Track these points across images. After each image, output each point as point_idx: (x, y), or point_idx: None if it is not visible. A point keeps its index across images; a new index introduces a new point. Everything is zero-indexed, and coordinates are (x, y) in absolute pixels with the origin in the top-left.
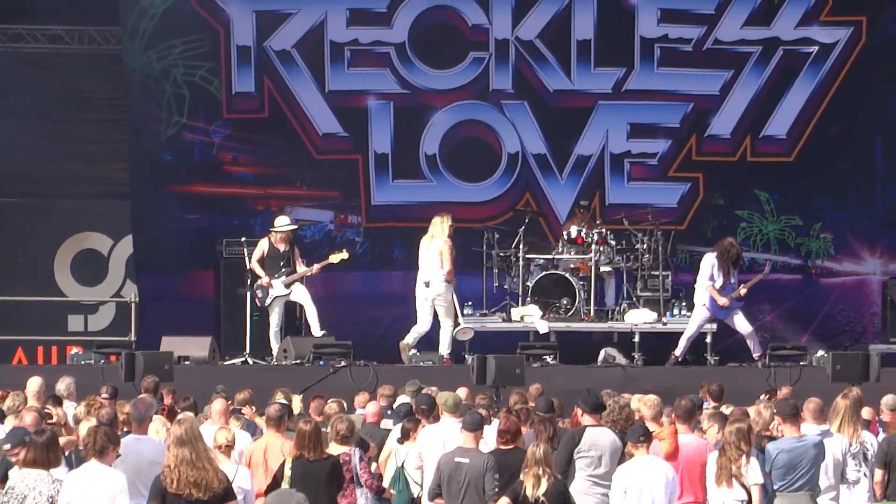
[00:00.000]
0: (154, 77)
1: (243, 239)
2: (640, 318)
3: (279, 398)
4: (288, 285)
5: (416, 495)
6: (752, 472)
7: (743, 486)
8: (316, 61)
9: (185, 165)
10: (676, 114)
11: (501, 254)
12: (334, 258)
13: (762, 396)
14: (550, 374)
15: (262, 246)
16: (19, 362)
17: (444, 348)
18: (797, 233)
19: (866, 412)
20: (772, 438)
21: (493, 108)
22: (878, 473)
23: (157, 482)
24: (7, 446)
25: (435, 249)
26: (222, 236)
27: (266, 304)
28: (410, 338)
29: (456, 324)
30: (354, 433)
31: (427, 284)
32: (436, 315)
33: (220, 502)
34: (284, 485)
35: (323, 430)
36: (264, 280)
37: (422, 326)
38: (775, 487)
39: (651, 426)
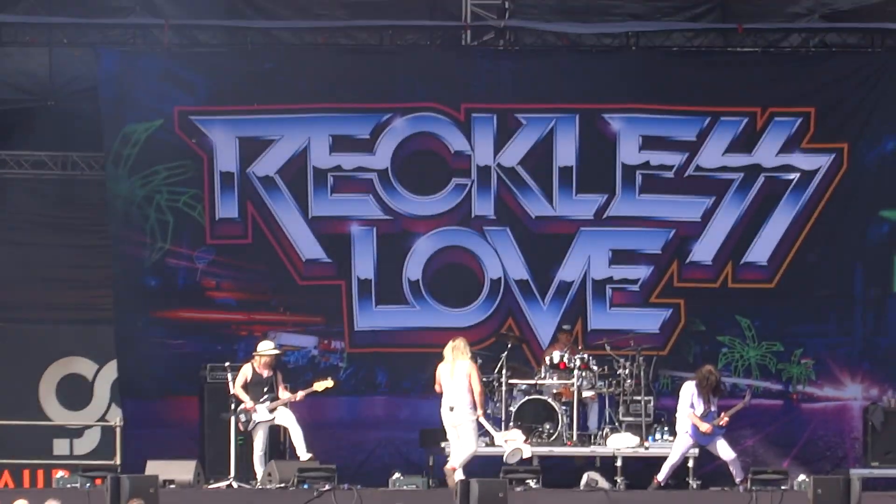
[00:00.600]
0: (137, 203)
1: (227, 364)
2: (622, 443)
3: None
4: (272, 410)
5: None
6: None
7: None
8: (299, 187)
9: (169, 291)
10: (658, 240)
11: (485, 379)
12: (319, 386)
13: None
14: (533, 499)
15: (246, 372)
16: (6, 485)
17: (457, 460)
18: (778, 358)
19: None
20: None
21: (476, 234)
22: None
23: None
24: None
25: (462, 373)
26: (206, 361)
27: (249, 429)
28: (456, 462)
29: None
30: None
31: (451, 409)
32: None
33: None
34: None
35: None
36: (248, 405)
37: (462, 452)
38: None
39: None
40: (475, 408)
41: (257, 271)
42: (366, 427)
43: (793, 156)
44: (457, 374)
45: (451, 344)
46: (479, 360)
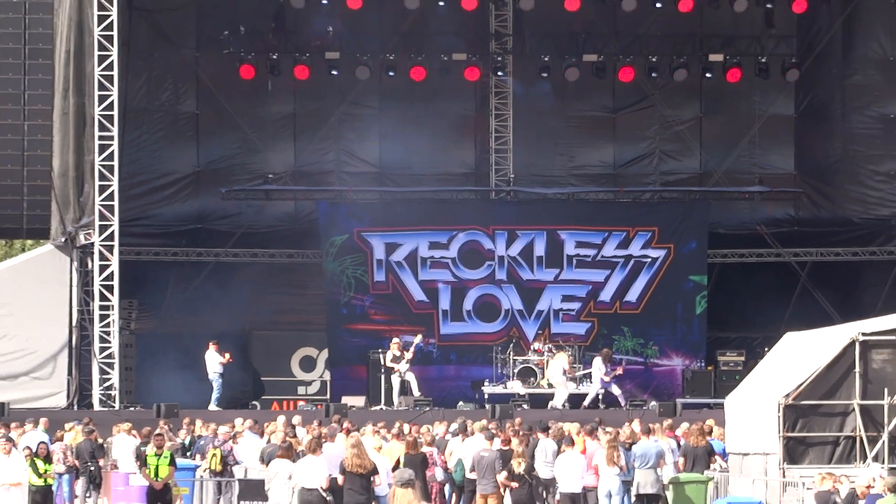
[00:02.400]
0: (337, 274)
1: (380, 350)
2: (570, 388)
3: (397, 425)
4: (405, 371)
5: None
6: (622, 458)
7: (618, 466)
8: (413, 265)
9: (353, 315)
10: (584, 290)
11: (501, 357)
12: (416, 339)
13: (626, 423)
14: (527, 413)
15: (388, 355)
16: (276, 409)
17: (559, 402)
18: (641, 346)
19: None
20: (632, 444)
21: (498, 288)
22: (681, 461)
23: (341, 465)
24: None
25: (564, 358)
26: (370, 349)
27: (402, 379)
28: (559, 403)
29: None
30: (435, 440)
31: (553, 376)
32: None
33: (370, 475)
34: (402, 466)
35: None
36: (395, 368)
37: (560, 398)
38: (636, 466)
39: (575, 438)
40: (566, 376)
41: (394, 306)
42: (446, 380)
43: (647, 250)
44: (557, 361)
45: (559, 352)
46: (499, 348)
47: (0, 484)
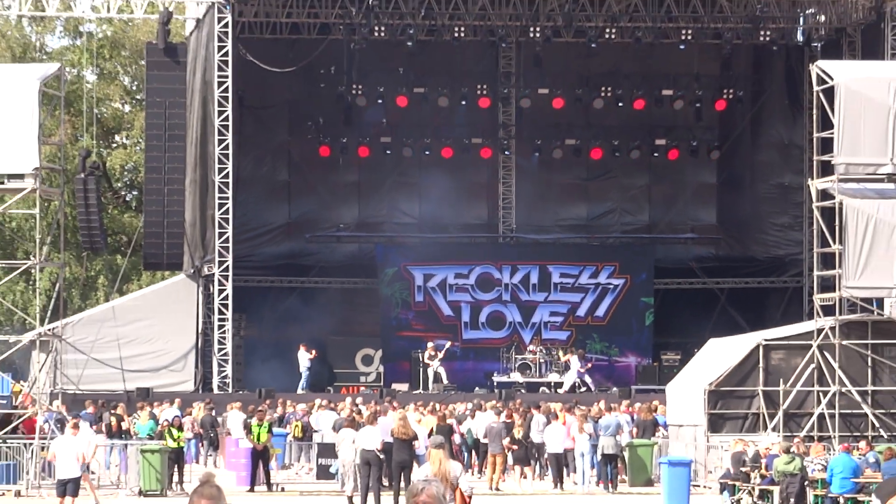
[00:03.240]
0: (388, 296)
1: (419, 350)
2: (554, 377)
3: (431, 404)
4: (438, 366)
5: (476, 437)
6: (592, 428)
7: (588, 434)
8: (443, 290)
9: (400, 326)
10: (565, 307)
11: (506, 355)
12: (447, 344)
13: (595, 402)
14: (524, 396)
15: (426, 354)
16: (344, 392)
17: (567, 385)
18: (606, 348)
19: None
20: (599, 418)
21: (503, 306)
22: (634, 430)
23: (391, 432)
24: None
25: (575, 358)
26: (413, 350)
27: (435, 371)
28: (566, 386)
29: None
30: (455, 414)
31: (567, 366)
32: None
33: (412, 440)
34: (435, 433)
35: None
36: (430, 365)
37: (569, 383)
38: (601, 434)
39: (559, 413)
40: (576, 368)
41: (429, 319)
42: (466, 372)
43: (611, 280)
44: (574, 359)
45: (570, 354)
46: (504, 349)
47: (69, 456)
